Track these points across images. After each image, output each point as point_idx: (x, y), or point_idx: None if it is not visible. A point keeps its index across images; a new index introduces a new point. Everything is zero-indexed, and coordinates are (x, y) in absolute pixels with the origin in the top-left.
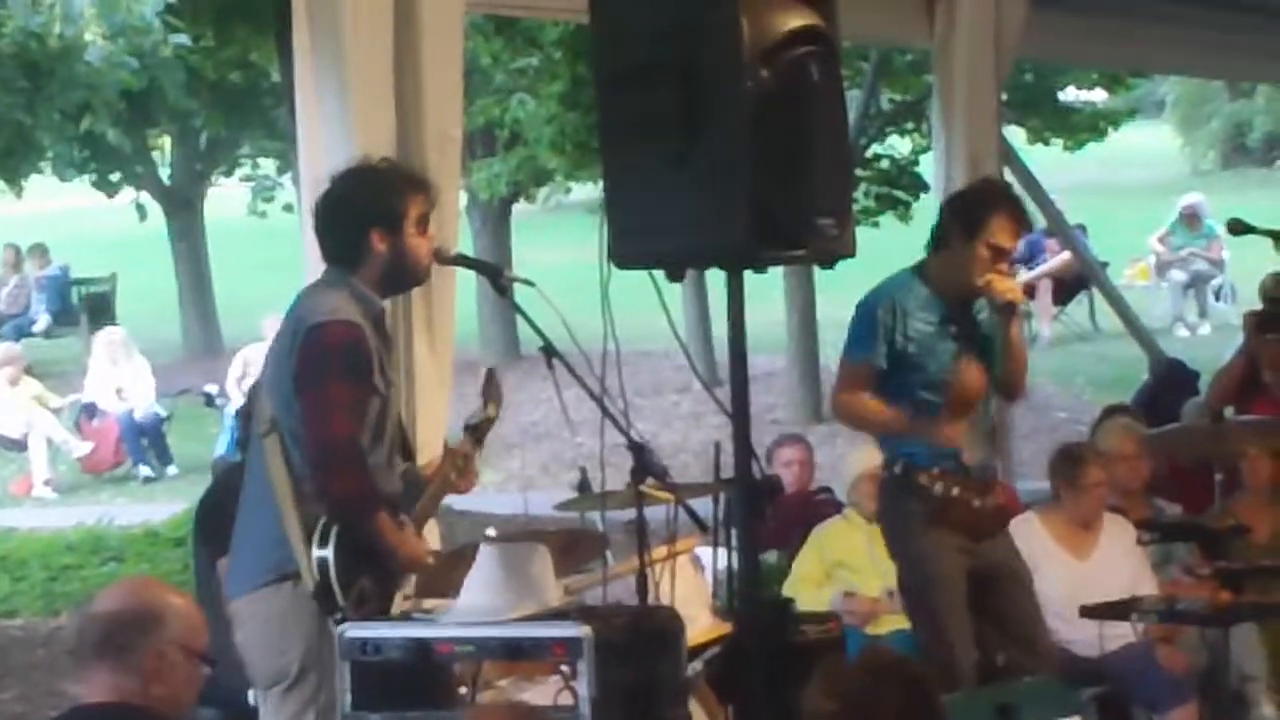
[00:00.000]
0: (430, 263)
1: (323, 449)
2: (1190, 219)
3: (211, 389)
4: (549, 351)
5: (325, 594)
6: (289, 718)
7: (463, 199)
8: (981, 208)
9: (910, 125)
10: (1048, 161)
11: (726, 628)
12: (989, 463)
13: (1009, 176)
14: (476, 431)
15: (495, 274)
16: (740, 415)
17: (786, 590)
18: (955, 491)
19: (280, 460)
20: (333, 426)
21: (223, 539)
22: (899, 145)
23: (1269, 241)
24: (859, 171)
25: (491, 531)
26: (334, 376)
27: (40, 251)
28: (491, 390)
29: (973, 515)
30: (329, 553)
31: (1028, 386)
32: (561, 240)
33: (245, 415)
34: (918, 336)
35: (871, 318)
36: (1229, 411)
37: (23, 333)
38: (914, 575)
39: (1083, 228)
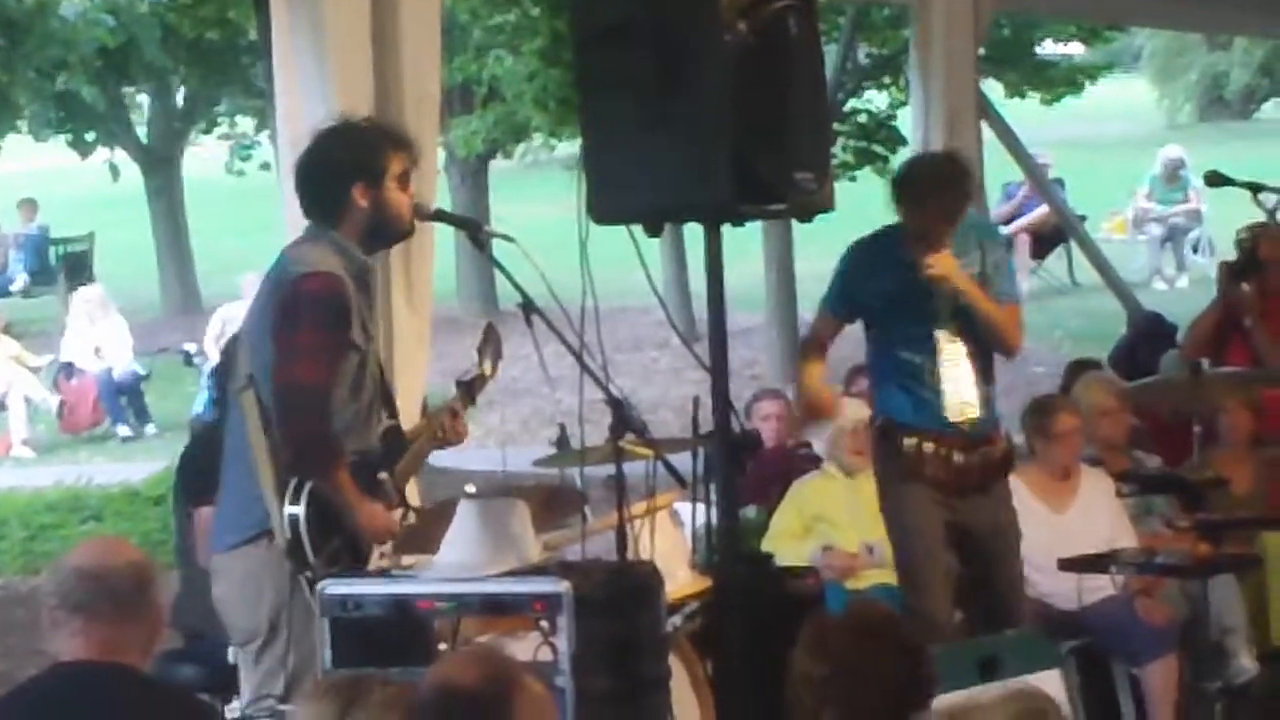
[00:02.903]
0: (412, 218)
1: (286, 392)
2: (1169, 171)
3: (190, 347)
4: (528, 307)
5: (296, 551)
6: (263, 675)
7: (441, 156)
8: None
9: (888, 79)
10: (1025, 115)
11: (706, 583)
12: (986, 418)
13: (986, 130)
14: (469, 388)
15: (474, 229)
16: (719, 370)
17: (766, 545)
18: (929, 447)
19: (256, 416)
20: (298, 371)
21: (201, 497)
22: (877, 99)
23: (1246, 194)
24: (836, 126)
25: (471, 488)
26: (307, 324)
27: (29, 205)
28: (489, 347)
29: (951, 470)
30: (300, 510)
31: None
32: (540, 196)
33: (221, 373)
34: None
35: None
36: (1205, 363)
37: (0, 292)
38: (891, 526)
39: (1060, 182)
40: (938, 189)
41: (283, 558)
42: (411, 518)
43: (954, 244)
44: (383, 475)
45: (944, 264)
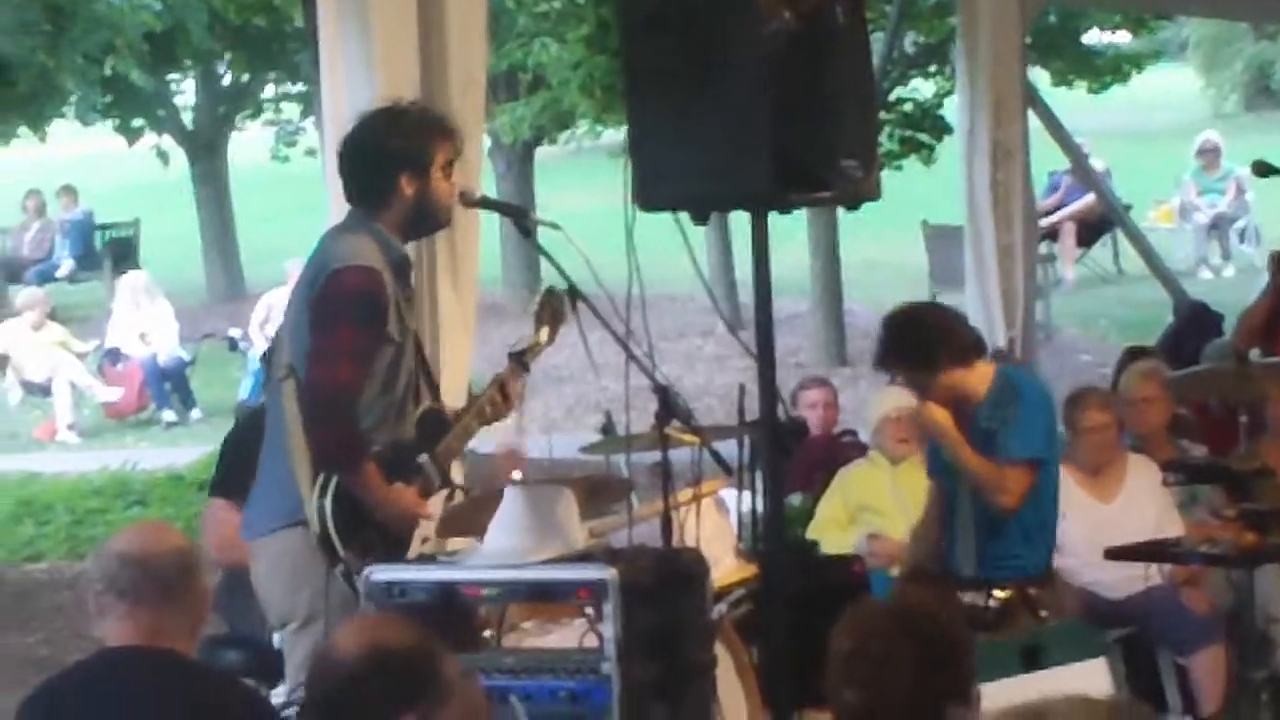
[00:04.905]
0: (452, 207)
1: (320, 393)
2: (1208, 157)
3: (235, 333)
4: (573, 294)
5: (326, 544)
6: (300, 660)
7: (486, 143)
8: None
9: (934, 68)
10: (1071, 104)
11: (751, 570)
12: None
13: (1032, 119)
14: (521, 358)
15: (520, 216)
16: (765, 358)
17: (811, 533)
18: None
19: (295, 406)
20: (336, 372)
21: (226, 486)
22: (923, 88)
23: None
24: (882, 115)
25: (517, 474)
26: (347, 322)
27: (69, 192)
28: (546, 312)
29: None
30: (328, 502)
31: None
32: (585, 183)
33: (270, 358)
34: None
35: None
36: (1255, 353)
37: (46, 278)
38: None
39: (1106, 171)
40: (881, 356)
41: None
42: (458, 496)
43: (988, 395)
44: (422, 458)
45: (928, 415)
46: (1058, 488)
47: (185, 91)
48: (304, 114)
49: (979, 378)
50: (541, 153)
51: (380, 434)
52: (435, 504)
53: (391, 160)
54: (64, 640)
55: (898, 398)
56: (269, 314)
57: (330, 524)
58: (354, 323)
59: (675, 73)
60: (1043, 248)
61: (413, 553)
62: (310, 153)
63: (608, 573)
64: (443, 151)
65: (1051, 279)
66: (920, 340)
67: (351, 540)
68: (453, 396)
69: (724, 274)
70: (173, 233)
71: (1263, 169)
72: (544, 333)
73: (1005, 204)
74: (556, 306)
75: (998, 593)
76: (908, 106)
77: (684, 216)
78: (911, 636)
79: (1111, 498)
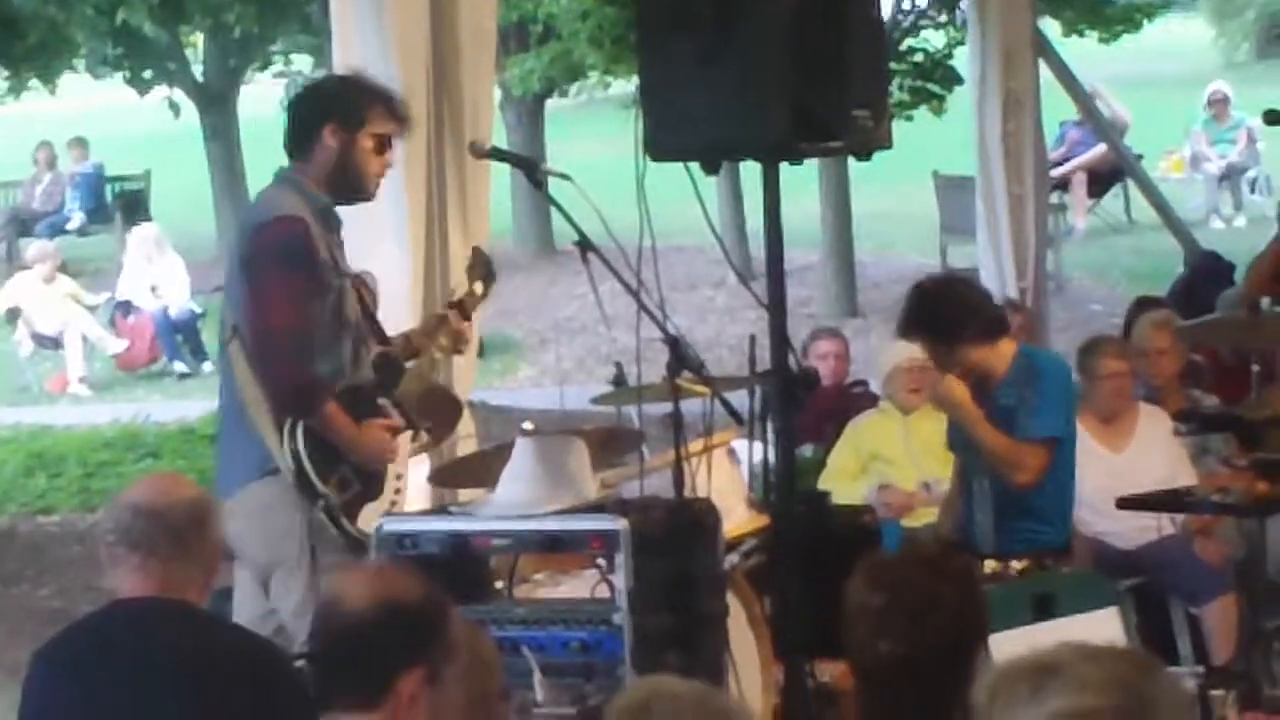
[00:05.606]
0: (378, 183)
1: (262, 340)
2: (1218, 107)
3: None
4: (584, 245)
5: (304, 484)
6: (298, 599)
7: (497, 95)
8: None
9: (944, 18)
10: (1082, 54)
11: (763, 520)
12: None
13: (1043, 69)
14: (462, 307)
15: (531, 167)
16: (777, 308)
17: (822, 483)
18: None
19: (245, 364)
20: (271, 318)
21: None
22: (933, 38)
23: None
24: (893, 65)
25: (529, 425)
26: (275, 270)
27: (79, 145)
28: (477, 269)
29: None
30: (299, 443)
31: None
32: (595, 135)
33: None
34: None
35: None
36: (1266, 302)
37: (57, 230)
38: None
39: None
40: (904, 325)
41: (293, 488)
42: (424, 437)
43: (1009, 373)
44: (382, 401)
45: (947, 390)
46: (1075, 464)
47: (195, 44)
48: (315, 66)
49: (1000, 356)
50: (552, 104)
51: (338, 382)
52: (403, 443)
53: (320, 107)
54: (76, 593)
55: (909, 347)
56: None
57: (306, 463)
58: (284, 270)
59: (688, 24)
60: (1054, 197)
61: (387, 492)
62: None
63: (619, 523)
64: (379, 119)
65: (1062, 229)
66: (945, 314)
67: (329, 476)
68: (467, 351)
69: (735, 225)
70: (183, 185)
71: (1274, 118)
72: (478, 286)
73: (1016, 154)
74: (485, 264)
75: (1015, 564)
76: (918, 57)
77: (695, 167)
78: (946, 583)
79: (1123, 448)
